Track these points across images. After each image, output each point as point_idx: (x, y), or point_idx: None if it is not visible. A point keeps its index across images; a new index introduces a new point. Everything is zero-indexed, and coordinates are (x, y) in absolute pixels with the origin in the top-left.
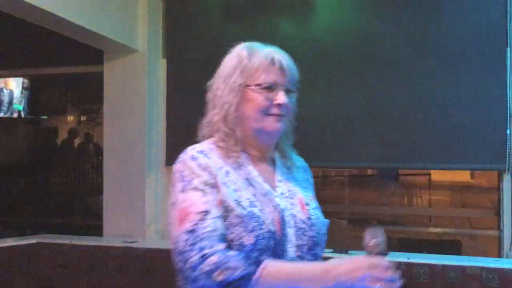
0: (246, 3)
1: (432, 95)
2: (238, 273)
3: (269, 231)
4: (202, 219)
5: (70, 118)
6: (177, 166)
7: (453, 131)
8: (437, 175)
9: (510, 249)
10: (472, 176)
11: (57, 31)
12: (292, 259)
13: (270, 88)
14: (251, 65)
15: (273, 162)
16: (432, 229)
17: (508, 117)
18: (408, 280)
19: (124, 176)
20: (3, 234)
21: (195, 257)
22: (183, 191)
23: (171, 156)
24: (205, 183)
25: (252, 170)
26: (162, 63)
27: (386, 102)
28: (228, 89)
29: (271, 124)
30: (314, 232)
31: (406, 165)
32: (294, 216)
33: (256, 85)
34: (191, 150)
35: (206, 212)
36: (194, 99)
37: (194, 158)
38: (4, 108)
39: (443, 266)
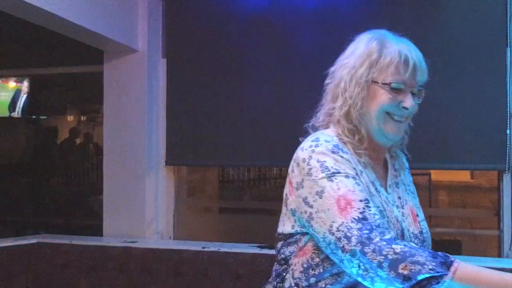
0: (246, 2)
1: (432, 95)
2: (426, 270)
3: None
4: (367, 207)
5: (70, 118)
6: (312, 155)
7: (453, 131)
8: (437, 175)
9: (510, 249)
10: (472, 176)
11: (57, 31)
12: None
13: (399, 89)
14: (381, 61)
15: (384, 164)
16: (432, 229)
17: (508, 117)
18: None
19: (124, 176)
20: (3, 234)
21: (378, 241)
22: (330, 179)
23: (171, 156)
24: (353, 175)
25: (372, 173)
26: (162, 63)
27: None
28: (353, 83)
29: (392, 127)
30: (425, 248)
31: None
32: (407, 229)
33: (384, 83)
34: (326, 143)
35: (367, 201)
36: (194, 99)
37: (334, 151)
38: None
39: None
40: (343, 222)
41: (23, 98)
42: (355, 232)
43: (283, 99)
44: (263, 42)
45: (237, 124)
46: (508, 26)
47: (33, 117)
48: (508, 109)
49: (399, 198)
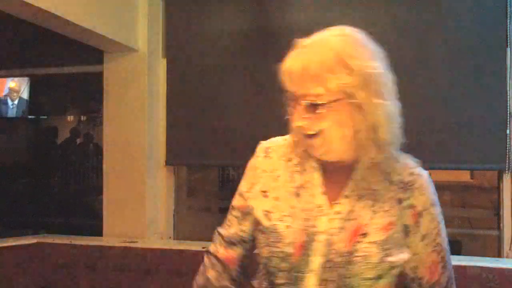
0: (246, 2)
1: (431, 95)
2: (197, 281)
3: (282, 252)
4: (228, 216)
5: (70, 118)
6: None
7: (453, 130)
8: (437, 175)
9: (510, 249)
10: (472, 176)
11: (57, 31)
12: None
13: (294, 100)
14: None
15: (350, 173)
16: None
17: (508, 117)
18: None
19: (124, 176)
20: (3, 234)
21: (207, 255)
22: (242, 181)
23: (171, 156)
24: (246, 186)
25: (316, 178)
26: (162, 63)
27: None
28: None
29: (304, 142)
30: (350, 272)
31: None
32: (330, 244)
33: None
34: (263, 145)
35: (235, 209)
36: (194, 99)
37: (255, 156)
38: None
39: None
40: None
41: (24, 101)
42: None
43: (284, 100)
44: (264, 42)
45: (238, 124)
46: (508, 26)
47: (33, 117)
48: (508, 109)
49: (351, 212)
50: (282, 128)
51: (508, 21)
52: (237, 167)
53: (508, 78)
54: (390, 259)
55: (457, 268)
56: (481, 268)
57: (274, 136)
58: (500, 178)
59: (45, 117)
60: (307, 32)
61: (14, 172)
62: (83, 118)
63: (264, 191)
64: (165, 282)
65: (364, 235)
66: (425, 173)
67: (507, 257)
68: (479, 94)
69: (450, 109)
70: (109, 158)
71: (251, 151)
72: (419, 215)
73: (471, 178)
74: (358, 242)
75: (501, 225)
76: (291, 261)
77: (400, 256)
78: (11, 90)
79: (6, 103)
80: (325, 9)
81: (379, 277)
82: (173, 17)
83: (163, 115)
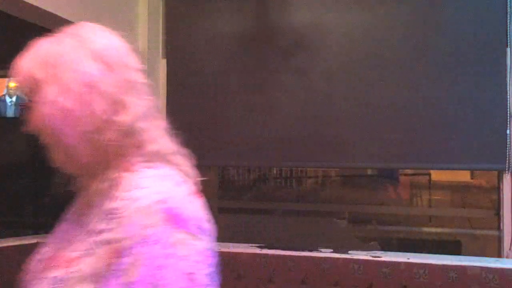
0: (246, 2)
1: (432, 95)
2: None
3: None
4: None
5: None
6: None
7: (453, 131)
8: (437, 175)
9: (510, 249)
10: (472, 176)
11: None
12: None
13: None
14: None
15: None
16: (432, 229)
17: (508, 117)
18: (408, 280)
19: None
20: (3, 234)
21: None
22: None
23: None
24: None
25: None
26: (162, 63)
27: (386, 102)
28: None
29: None
30: None
31: (406, 165)
32: (44, 272)
33: None
34: None
35: None
36: (194, 99)
37: None
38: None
39: (443, 266)
40: None
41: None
42: None
43: (283, 100)
44: (264, 42)
45: (238, 124)
46: (508, 26)
47: None
48: (508, 109)
49: (63, 237)
50: (280, 129)
51: (508, 21)
52: (237, 167)
53: (508, 78)
54: None
55: (457, 268)
56: (481, 268)
57: (273, 136)
58: (500, 178)
59: None
60: (307, 32)
61: (14, 172)
62: None
63: None
64: None
65: (53, 267)
66: (151, 198)
67: (507, 257)
68: (479, 94)
69: (450, 109)
70: None
71: (251, 151)
72: (119, 254)
73: (471, 178)
74: (45, 276)
75: (501, 225)
76: None
77: None
78: (10, 90)
79: (5, 103)
80: (325, 10)
81: None
82: (173, 17)
83: (163, 115)
